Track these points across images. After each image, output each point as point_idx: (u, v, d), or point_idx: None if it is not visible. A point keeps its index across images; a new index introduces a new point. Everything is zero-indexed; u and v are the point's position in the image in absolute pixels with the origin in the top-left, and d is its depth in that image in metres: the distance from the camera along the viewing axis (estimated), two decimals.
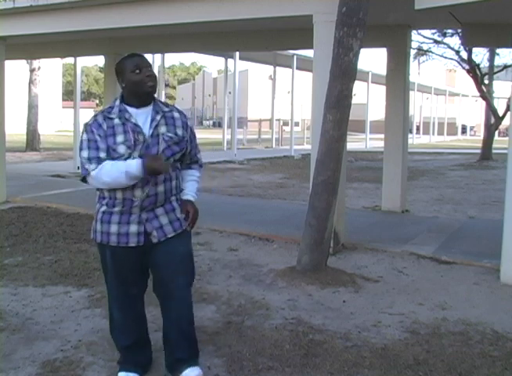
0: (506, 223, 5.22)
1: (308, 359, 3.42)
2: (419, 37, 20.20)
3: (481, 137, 23.65)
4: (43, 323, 3.95)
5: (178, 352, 3.08)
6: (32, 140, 22.39)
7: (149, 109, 2.95)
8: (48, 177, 12.88)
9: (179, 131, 2.98)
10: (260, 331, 3.84)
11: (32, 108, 22.49)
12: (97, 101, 66.22)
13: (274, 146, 27.98)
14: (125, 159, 2.84)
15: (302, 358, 3.44)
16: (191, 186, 3.15)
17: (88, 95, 69.36)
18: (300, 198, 10.11)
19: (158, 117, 2.94)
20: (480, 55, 23.81)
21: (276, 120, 29.94)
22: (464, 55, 20.50)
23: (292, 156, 21.34)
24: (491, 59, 21.88)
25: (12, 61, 12.65)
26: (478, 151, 22.23)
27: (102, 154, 2.84)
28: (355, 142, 27.88)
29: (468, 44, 12.16)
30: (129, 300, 3.13)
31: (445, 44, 20.90)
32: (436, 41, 20.76)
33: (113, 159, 2.85)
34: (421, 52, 22.70)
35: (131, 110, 2.92)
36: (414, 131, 40.88)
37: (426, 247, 6.32)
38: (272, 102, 29.34)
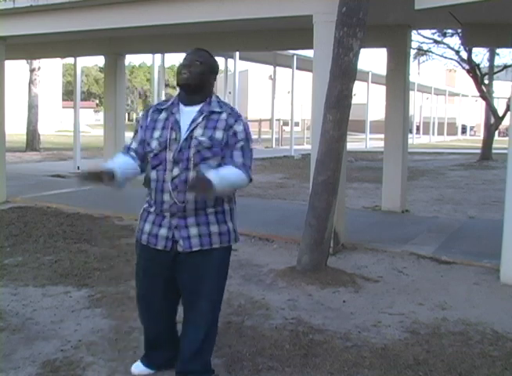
0: (506, 223, 5.22)
1: (308, 359, 3.42)
2: (419, 37, 20.21)
3: (481, 137, 23.64)
4: (43, 323, 3.95)
5: (190, 365, 2.99)
6: (32, 140, 22.39)
7: (197, 108, 2.82)
8: (48, 177, 12.88)
9: (217, 134, 2.77)
10: (260, 331, 3.84)
11: (32, 108, 22.49)
12: (97, 101, 66.20)
13: (274, 146, 27.97)
14: (155, 155, 2.81)
15: (302, 358, 3.44)
16: (221, 169, 2.75)
17: (88, 95, 69.38)
18: (300, 198, 10.11)
19: (200, 119, 2.79)
20: (480, 55, 23.82)
21: (276, 120, 29.93)
22: (464, 55, 20.51)
23: (292, 156, 21.32)
24: (491, 59, 21.87)
25: (12, 61, 12.65)
26: (478, 151, 22.21)
27: (134, 145, 2.92)
28: (355, 142, 27.87)
29: (468, 44, 12.15)
30: (145, 302, 3.09)
31: (445, 44, 20.90)
32: (436, 41, 20.75)
33: (147, 153, 2.87)
34: (421, 52, 22.69)
35: (181, 106, 2.85)
36: (414, 131, 40.86)
37: (426, 247, 6.32)
38: (272, 102, 29.34)
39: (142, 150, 2.90)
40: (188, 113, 2.82)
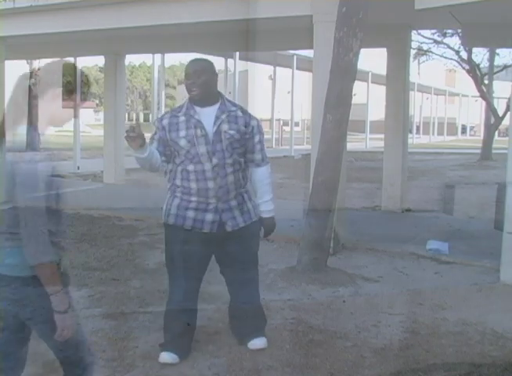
0: (506, 223, 5.21)
1: (308, 359, 3.42)
2: (419, 37, 20.20)
3: (481, 137, 23.63)
4: None
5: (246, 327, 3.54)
6: (32, 140, 22.39)
7: (214, 108, 3.25)
8: (48, 177, 12.84)
9: (241, 129, 3.25)
10: None
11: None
12: (97, 101, 66.15)
13: (274, 146, 27.96)
14: (187, 151, 3.19)
15: (302, 358, 3.44)
16: (259, 194, 3.43)
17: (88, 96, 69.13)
18: (300, 198, 10.09)
19: (223, 116, 3.24)
20: (480, 55, 23.83)
21: (276, 120, 29.91)
22: (464, 55, 20.51)
23: (292, 156, 21.30)
24: (491, 59, 21.87)
25: (12, 61, 12.64)
26: (478, 151, 22.20)
27: (155, 144, 3.28)
28: (355, 142, 27.84)
29: (468, 44, 12.17)
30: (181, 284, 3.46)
31: (445, 44, 20.91)
32: (436, 41, 20.75)
33: (175, 151, 3.24)
34: (421, 52, 22.69)
35: (196, 108, 3.24)
36: (414, 131, 40.81)
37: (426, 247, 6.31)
38: (272, 102, 29.32)
39: (163, 149, 3.27)
40: (207, 113, 3.23)
